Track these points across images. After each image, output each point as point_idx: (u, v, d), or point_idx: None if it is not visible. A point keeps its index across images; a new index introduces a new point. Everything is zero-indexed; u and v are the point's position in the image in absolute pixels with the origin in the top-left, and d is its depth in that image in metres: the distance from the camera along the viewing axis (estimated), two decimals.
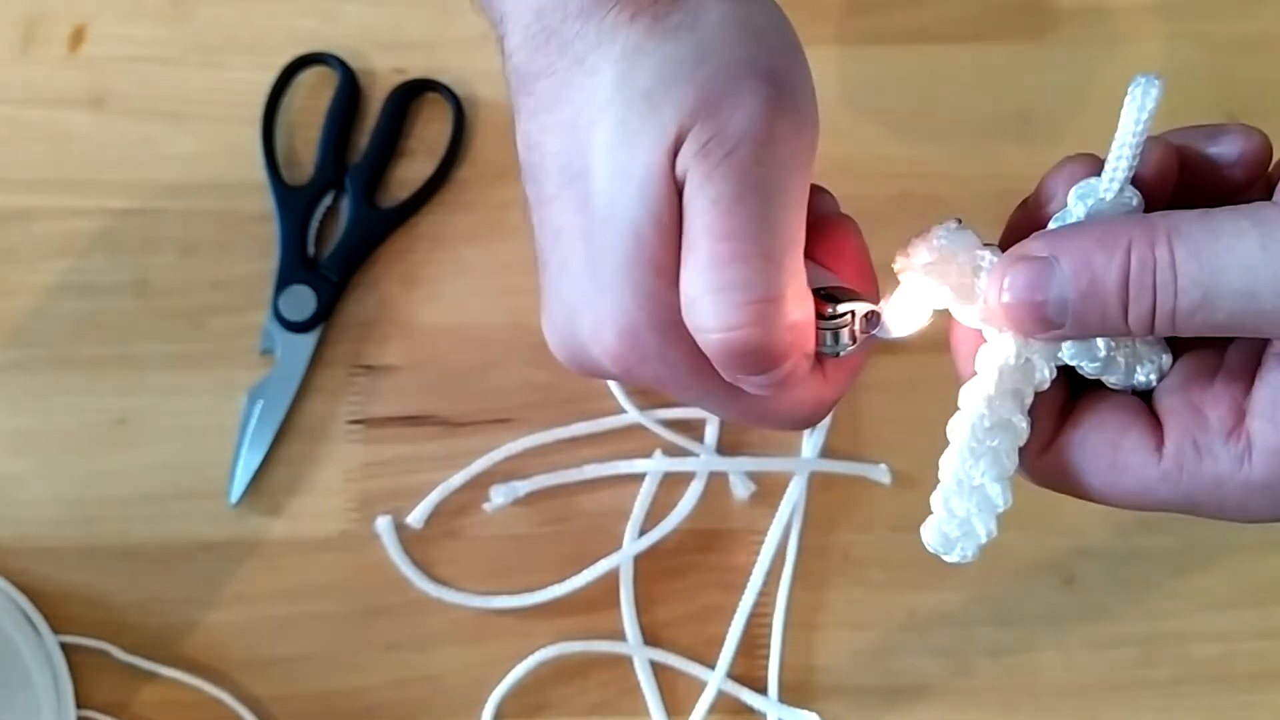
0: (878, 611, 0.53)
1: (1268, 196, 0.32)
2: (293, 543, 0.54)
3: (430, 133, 0.59)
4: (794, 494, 0.54)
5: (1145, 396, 0.33)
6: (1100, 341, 0.33)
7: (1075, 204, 0.33)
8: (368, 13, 0.60)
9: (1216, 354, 0.32)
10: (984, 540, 0.33)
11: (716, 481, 0.54)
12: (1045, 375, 0.33)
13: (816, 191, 0.35)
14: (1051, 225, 0.33)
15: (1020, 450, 0.33)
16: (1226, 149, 0.33)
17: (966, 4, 0.60)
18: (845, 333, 0.33)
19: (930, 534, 0.34)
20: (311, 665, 0.53)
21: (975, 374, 0.33)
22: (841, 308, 0.33)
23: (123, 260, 0.57)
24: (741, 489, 0.54)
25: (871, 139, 0.58)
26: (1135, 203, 0.32)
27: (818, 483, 0.54)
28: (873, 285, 0.35)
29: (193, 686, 0.52)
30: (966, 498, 0.33)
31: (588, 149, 0.32)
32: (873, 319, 0.34)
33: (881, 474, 0.54)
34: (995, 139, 0.58)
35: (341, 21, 0.60)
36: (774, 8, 0.34)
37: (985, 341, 0.33)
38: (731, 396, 0.34)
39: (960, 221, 0.33)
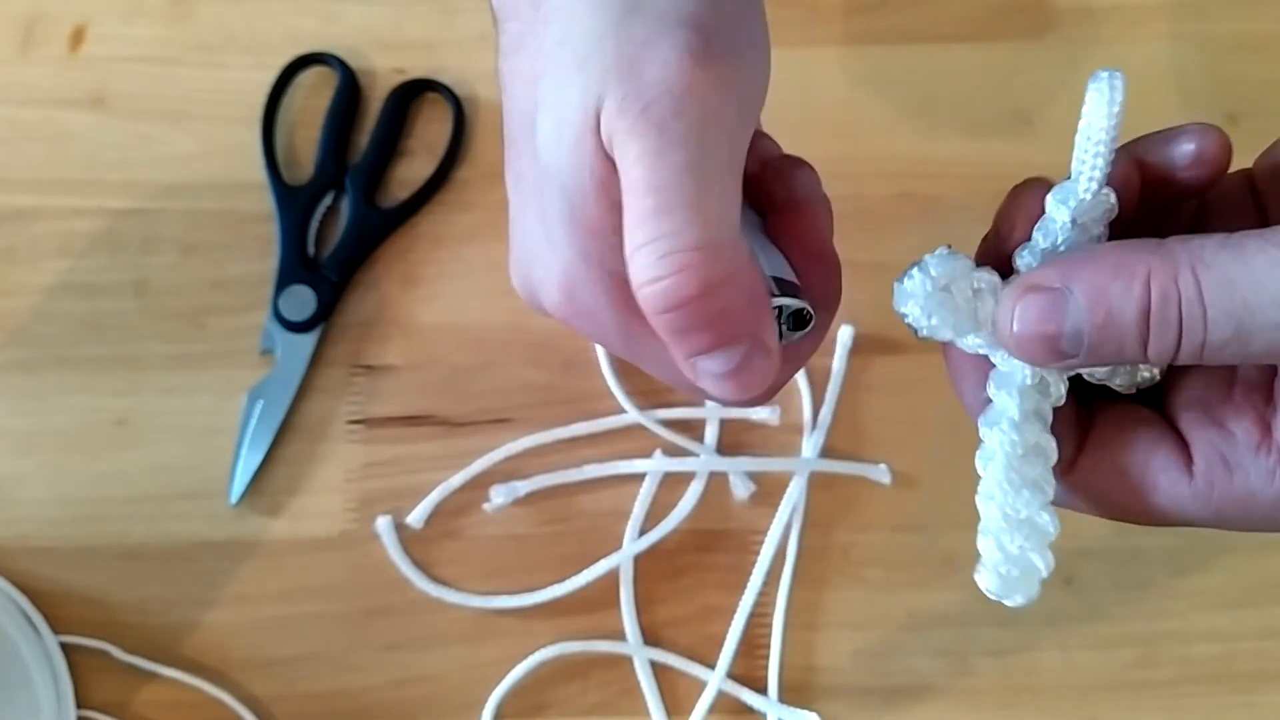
0: (878, 611, 0.53)
1: (1246, 196, 0.32)
2: (293, 543, 0.54)
3: (430, 133, 0.59)
4: (794, 494, 0.54)
5: (1155, 401, 0.33)
6: None
7: (1056, 208, 0.32)
8: (368, 13, 0.60)
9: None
10: (1044, 574, 0.32)
11: (716, 481, 0.54)
12: (1061, 390, 0.32)
13: (796, 168, 0.35)
14: (1036, 234, 0.32)
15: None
16: (1183, 148, 0.32)
17: (966, 4, 0.60)
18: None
19: (988, 580, 0.32)
20: (311, 665, 0.53)
21: (989, 401, 0.32)
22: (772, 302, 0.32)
23: (123, 260, 0.57)
24: (741, 489, 0.54)
25: (871, 138, 0.58)
26: (1112, 200, 0.31)
27: (818, 483, 0.54)
28: (827, 274, 0.34)
29: (193, 686, 0.52)
30: (1016, 533, 0.32)
31: (536, 102, 0.32)
32: (803, 317, 0.33)
33: (881, 474, 0.54)
34: (995, 139, 0.58)
35: (341, 21, 0.60)
36: None
37: (992, 367, 0.32)
38: (666, 359, 0.33)
39: (950, 247, 0.32)
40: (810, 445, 0.54)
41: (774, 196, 0.35)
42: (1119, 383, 0.33)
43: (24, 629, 0.52)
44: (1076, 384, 0.33)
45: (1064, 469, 0.32)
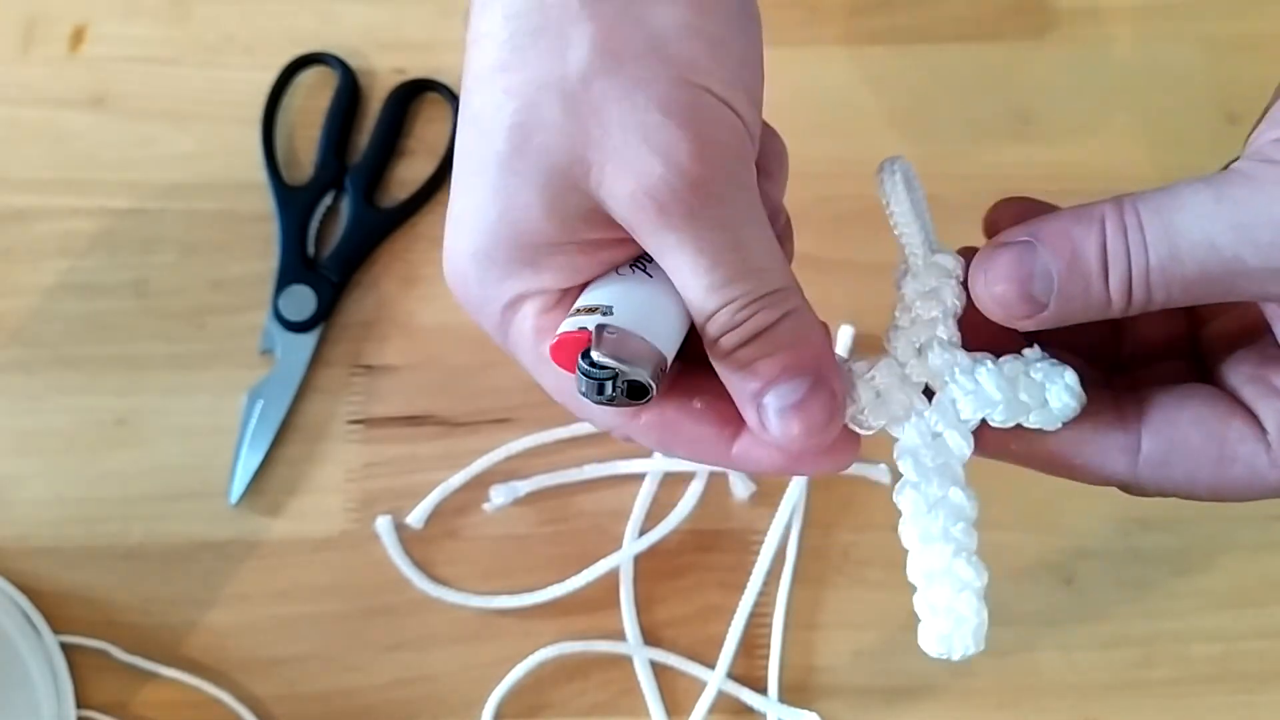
0: (878, 611, 0.53)
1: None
2: (293, 543, 0.54)
3: (430, 133, 0.59)
4: (794, 494, 0.54)
5: (1202, 375, 0.34)
6: (991, 384, 0.33)
7: (905, 285, 0.34)
8: (368, 13, 0.60)
9: (1270, 338, 0.33)
10: (978, 622, 0.33)
11: (716, 481, 0.54)
12: (962, 442, 0.34)
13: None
14: (896, 314, 0.35)
15: (1112, 464, 0.33)
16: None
17: (966, 4, 0.60)
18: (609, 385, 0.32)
19: (927, 640, 0.34)
20: (311, 665, 0.53)
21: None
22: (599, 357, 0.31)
23: (123, 260, 0.57)
24: (741, 489, 0.54)
25: (871, 139, 0.58)
26: (950, 264, 0.34)
27: (818, 483, 0.54)
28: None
29: (193, 686, 0.52)
30: (940, 586, 0.33)
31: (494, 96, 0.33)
32: (641, 388, 0.32)
33: (881, 474, 0.54)
34: (995, 139, 0.58)
35: (341, 21, 0.60)
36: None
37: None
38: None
39: (844, 357, 0.35)
40: None
41: None
42: (1035, 419, 0.33)
43: (24, 629, 0.52)
44: (1116, 373, 0.35)
45: (1128, 460, 0.33)
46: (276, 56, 0.59)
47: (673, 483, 0.54)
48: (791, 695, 0.52)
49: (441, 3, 0.60)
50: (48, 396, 0.55)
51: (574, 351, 0.32)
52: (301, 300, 0.56)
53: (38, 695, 0.51)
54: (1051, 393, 0.33)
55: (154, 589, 0.53)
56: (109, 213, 0.58)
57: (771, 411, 0.32)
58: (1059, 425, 0.33)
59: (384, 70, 0.59)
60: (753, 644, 0.53)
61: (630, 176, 0.31)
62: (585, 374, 0.31)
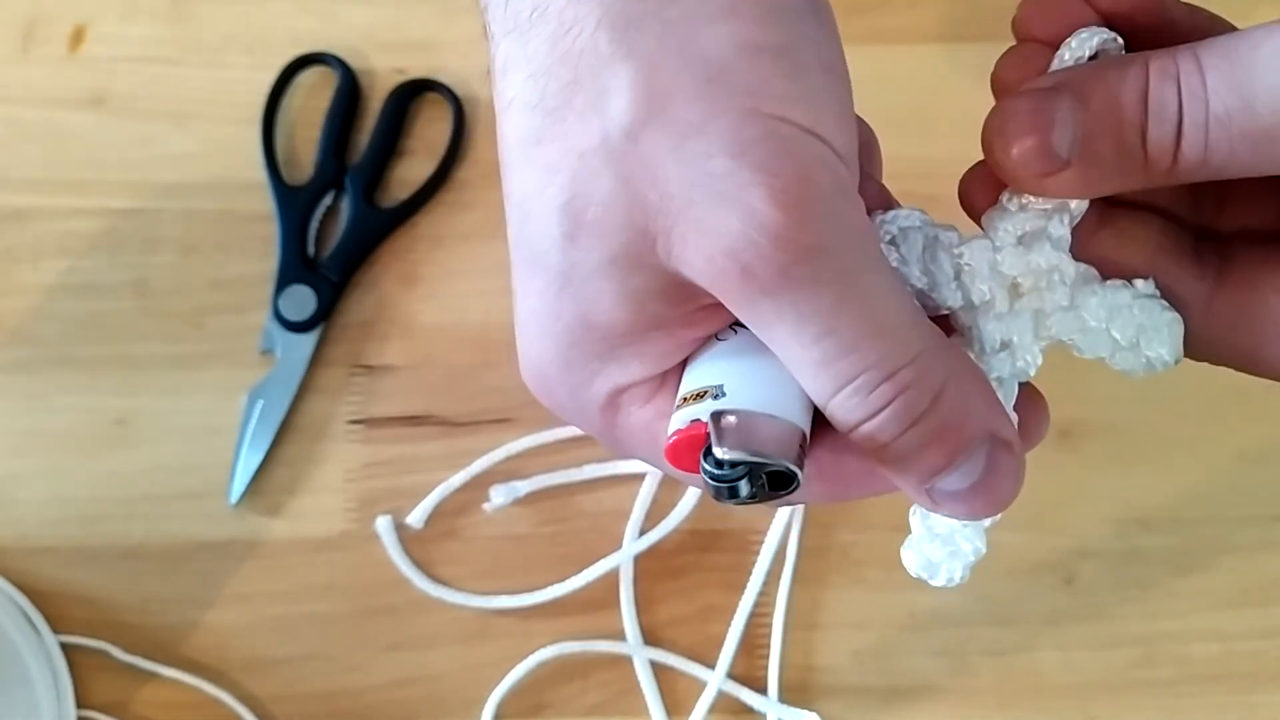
0: (878, 611, 0.53)
1: None
2: (293, 543, 0.54)
3: (430, 133, 0.59)
4: None
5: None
6: (1092, 311, 0.29)
7: (1070, 51, 0.29)
8: (368, 13, 0.60)
9: None
10: (973, 559, 0.30)
11: None
12: (1031, 361, 0.29)
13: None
14: (1005, 195, 0.30)
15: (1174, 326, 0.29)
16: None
17: (967, 4, 0.60)
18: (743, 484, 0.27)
19: (911, 557, 0.30)
20: (311, 665, 0.53)
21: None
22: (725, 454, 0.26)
23: (123, 260, 0.57)
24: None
25: None
26: (1119, 42, 0.29)
27: None
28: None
29: (193, 686, 0.52)
30: None
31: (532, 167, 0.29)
32: (784, 477, 0.27)
33: None
34: None
35: (341, 21, 0.60)
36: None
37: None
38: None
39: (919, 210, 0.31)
40: None
41: None
42: (1119, 361, 0.29)
43: (24, 629, 0.52)
44: (1204, 230, 0.30)
45: (1196, 316, 0.29)
46: (276, 56, 0.59)
47: (673, 483, 0.54)
48: (791, 695, 0.52)
49: (442, 3, 0.60)
50: (48, 396, 0.55)
51: (693, 451, 0.27)
52: (301, 300, 0.56)
53: (38, 695, 0.51)
54: (1148, 338, 0.28)
55: (154, 589, 0.53)
56: (109, 213, 0.58)
57: (947, 497, 0.27)
58: (1140, 375, 0.29)
59: (384, 70, 0.59)
60: (753, 644, 0.53)
61: (703, 240, 0.25)
62: (713, 478, 0.26)
